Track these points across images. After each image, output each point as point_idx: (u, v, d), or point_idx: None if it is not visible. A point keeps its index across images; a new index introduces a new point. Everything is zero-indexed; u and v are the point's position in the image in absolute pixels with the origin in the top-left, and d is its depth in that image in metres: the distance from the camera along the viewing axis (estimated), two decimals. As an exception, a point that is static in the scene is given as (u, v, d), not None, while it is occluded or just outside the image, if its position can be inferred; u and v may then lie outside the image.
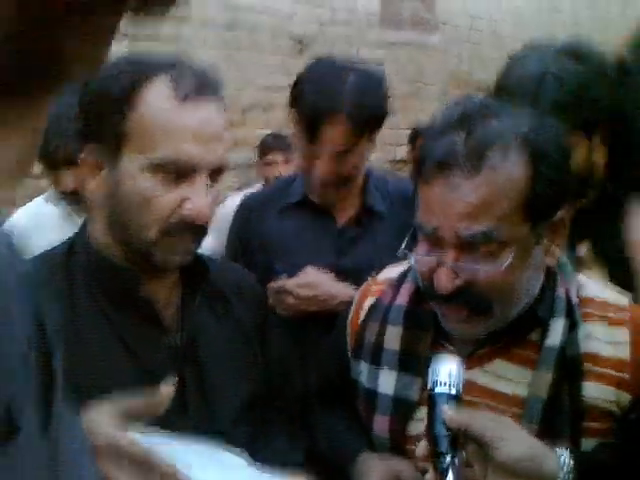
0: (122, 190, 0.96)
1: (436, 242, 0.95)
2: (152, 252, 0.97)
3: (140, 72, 0.94)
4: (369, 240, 1.61)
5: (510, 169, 0.92)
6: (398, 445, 1.07)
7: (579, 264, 1.17)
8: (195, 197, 0.95)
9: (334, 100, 1.47)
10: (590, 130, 1.28)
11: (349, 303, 1.40)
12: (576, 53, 1.29)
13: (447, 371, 0.93)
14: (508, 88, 1.29)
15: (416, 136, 4.68)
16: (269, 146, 3.58)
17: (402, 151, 5.07)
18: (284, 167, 3.43)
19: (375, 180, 1.67)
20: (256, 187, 3.74)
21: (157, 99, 0.94)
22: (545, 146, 0.94)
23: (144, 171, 0.94)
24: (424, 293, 1.03)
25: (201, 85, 0.96)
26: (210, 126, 0.96)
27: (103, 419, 0.76)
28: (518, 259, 0.94)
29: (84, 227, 1.05)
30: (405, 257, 1.05)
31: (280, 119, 3.85)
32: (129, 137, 0.94)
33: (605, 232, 1.31)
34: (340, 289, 1.54)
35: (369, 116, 1.52)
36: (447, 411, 0.90)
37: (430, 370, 0.95)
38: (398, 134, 4.98)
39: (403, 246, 1.02)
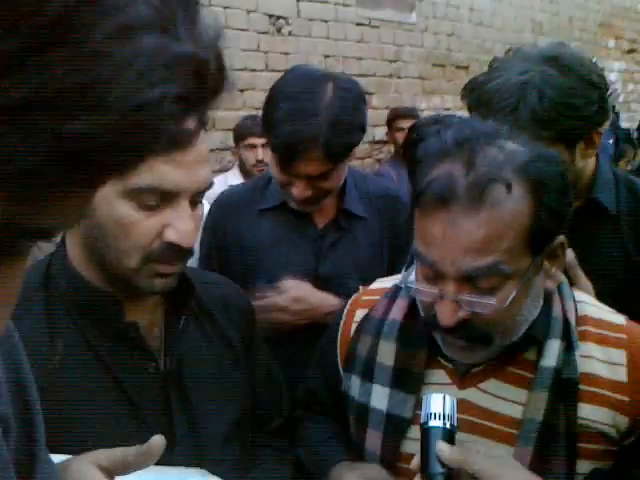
0: (98, 217, 0.90)
1: (436, 274, 0.93)
2: (134, 279, 0.93)
3: None
4: (349, 243, 1.58)
5: (512, 203, 0.89)
6: (389, 462, 1.06)
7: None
8: (178, 222, 0.90)
9: (309, 133, 1.38)
10: (572, 140, 1.27)
11: (336, 312, 1.39)
12: (558, 60, 1.26)
13: (440, 403, 0.91)
14: (487, 96, 1.26)
15: (394, 117, 4.65)
16: (247, 130, 3.50)
17: (380, 132, 5.04)
18: (263, 150, 3.36)
19: (355, 180, 1.63)
20: (234, 171, 3.69)
21: None
22: (546, 175, 0.92)
23: (121, 197, 0.88)
24: (424, 321, 1.01)
25: None
26: (192, 150, 0.90)
27: (90, 472, 0.72)
28: (520, 290, 0.92)
29: (62, 249, 0.99)
30: (404, 287, 1.02)
31: (257, 100, 3.79)
32: None
33: (589, 243, 1.32)
34: (325, 299, 1.51)
35: (347, 143, 1.45)
36: (443, 448, 0.87)
37: (423, 401, 0.93)
38: (376, 114, 4.94)
39: (403, 272, 1.00)
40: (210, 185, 0.96)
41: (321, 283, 1.54)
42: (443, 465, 0.87)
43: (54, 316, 0.95)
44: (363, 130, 1.51)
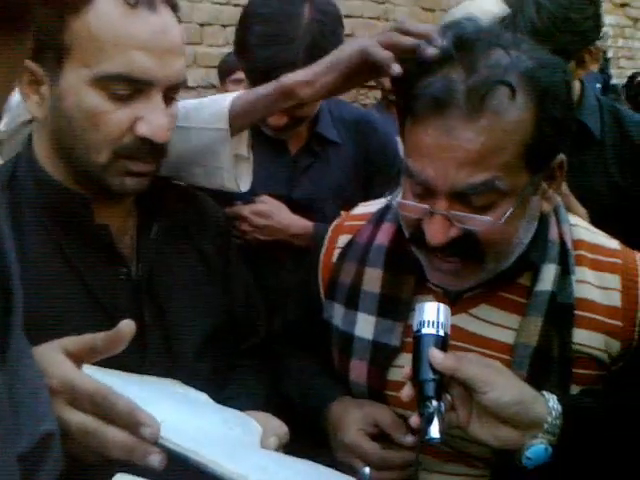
0: (65, 108, 0.85)
1: (427, 190, 0.87)
2: (104, 176, 0.88)
3: None
4: (322, 168, 1.55)
5: (515, 111, 0.83)
6: (376, 391, 1.02)
7: None
8: (151, 115, 0.86)
9: (285, 58, 1.32)
10: (565, 58, 1.24)
11: (308, 237, 1.34)
12: None
13: (434, 311, 0.88)
14: None
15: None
16: (234, 64, 3.39)
17: (367, 76, 4.92)
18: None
19: (329, 105, 1.58)
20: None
21: (104, 5, 0.83)
22: (552, 83, 0.85)
23: (90, 86, 0.84)
24: (410, 240, 0.96)
25: None
26: (165, 36, 0.86)
27: (56, 357, 0.69)
28: (517, 210, 0.87)
29: (29, 146, 0.94)
30: (389, 202, 0.96)
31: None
32: (71, 48, 0.83)
33: (574, 167, 1.30)
34: (294, 220, 1.49)
35: None
36: (435, 354, 0.85)
37: (416, 310, 0.90)
38: (363, 58, 4.80)
39: (390, 191, 0.95)
40: (184, 81, 0.91)
41: (295, 208, 1.50)
42: (435, 372, 0.84)
43: (20, 218, 0.89)
44: None
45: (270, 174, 1.51)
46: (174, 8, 0.90)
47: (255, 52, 1.35)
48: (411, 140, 0.88)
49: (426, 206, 0.88)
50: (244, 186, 1.14)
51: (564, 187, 1.18)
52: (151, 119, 0.86)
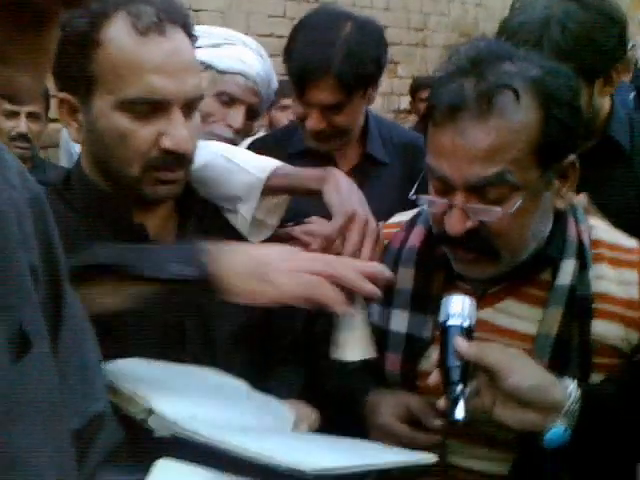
0: (98, 130, 0.97)
1: (446, 186, 0.97)
2: (138, 186, 0.99)
3: (97, 12, 0.93)
4: (372, 189, 1.60)
5: (521, 113, 0.93)
6: (409, 381, 1.10)
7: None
8: (172, 130, 0.96)
9: (322, 59, 1.44)
10: (592, 76, 1.30)
11: None
12: None
13: (460, 304, 0.96)
14: (511, 32, 1.30)
15: (417, 87, 4.62)
16: (280, 91, 3.52)
17: (405, 101, 5.03)
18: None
19: (379, 127, 1.67)
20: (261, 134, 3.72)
21: (117, 37, 0.94)
22: (556, 89, 0.95)
23: (115, 110, 0.95)
24: (435, 236, 1.06)
25: (163, 16, 0.95)
26: (177, 57, 0.95)
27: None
28: (528, 203, 0.96)
29: (79, 161, 1.07)
30: (416, 200, 1.06)
31: (283, 67, 3.79)
32: (96, 79, 0.95)
33: (603, 181, 1.34)
34: None
35: (360, 75, 1.50)
36: (459, 342, 0.93)
37: (443, 303, 0.98)
38: (402, 84, 4.93)
39: (414, 190, 1.04)
40: (201, 96, 1.01)
41: None
42: (460, 359, 0.92)
43: (71, 217, 1.00)
44: (379, 66, 1.55)
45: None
46: (186, 29, 0.99)
47: (294, 56, 1.49)
48: (431, 143, 0.99)
49: (446, 200, 0.98)
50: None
51: (585, 202, 1.23)
52: (173, 133, 0.96)
